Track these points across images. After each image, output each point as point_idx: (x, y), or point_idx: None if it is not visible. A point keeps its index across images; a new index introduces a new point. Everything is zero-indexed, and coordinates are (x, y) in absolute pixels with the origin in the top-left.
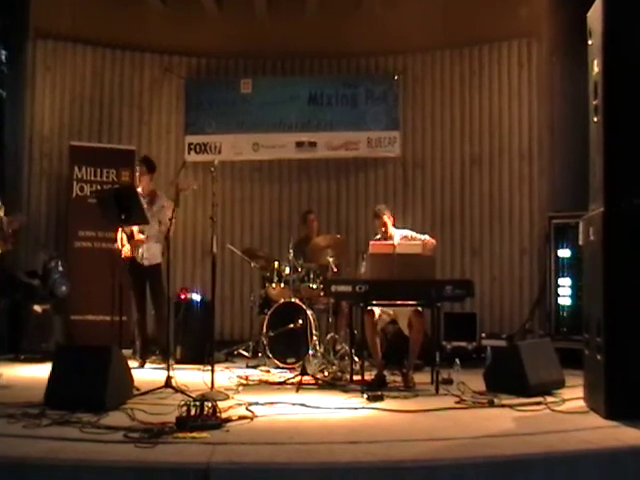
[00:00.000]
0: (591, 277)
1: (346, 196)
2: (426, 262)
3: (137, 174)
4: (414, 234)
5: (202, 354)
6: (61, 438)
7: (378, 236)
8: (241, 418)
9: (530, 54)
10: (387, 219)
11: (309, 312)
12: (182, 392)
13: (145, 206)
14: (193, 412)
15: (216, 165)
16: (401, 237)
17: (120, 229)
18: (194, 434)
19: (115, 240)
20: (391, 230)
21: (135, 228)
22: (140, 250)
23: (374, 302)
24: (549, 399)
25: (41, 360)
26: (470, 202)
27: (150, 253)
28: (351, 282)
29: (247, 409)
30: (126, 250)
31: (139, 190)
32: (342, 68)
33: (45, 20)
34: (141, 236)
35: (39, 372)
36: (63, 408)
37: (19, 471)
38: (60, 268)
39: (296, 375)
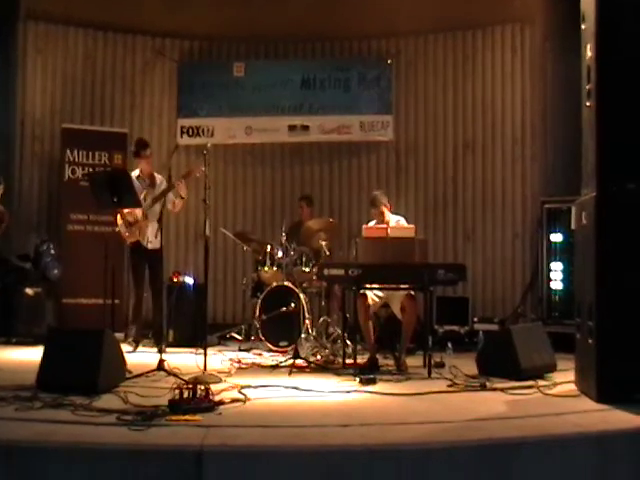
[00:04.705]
0: (583, 261)
1: (339, 180)
2: (419, 246)
3: (135, 158)
4: (404, 222)
5: (195, 337)
6: (54, 421)
7: (373, 222)
8: (234, 401)
9: (523, 39)
10: (384, 208)
11: (302, 295)
12: (175, 375)
13: (145, 189)
14: (186, 395)
15: (209, 148)
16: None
17: (119, 215)
18: (187, 417)
19: (111, 224)
20: (388, 218)
21: (138, 211)
22: (147, 233)
23: (367, 286)
24: (541, 383)
25: (33, 343)
26: (463, 187)
27: (154, 236)
28: (344, 266)
29: (240, 392)
30: (128, 235)
31: (138, 172)
32: (335, 51)
33: (36, 2)
34: (148, 226)
35: (31, 355)
36: (55, 391)
37: (11, 454)
38: (52, 251)
39: (288, 358)
